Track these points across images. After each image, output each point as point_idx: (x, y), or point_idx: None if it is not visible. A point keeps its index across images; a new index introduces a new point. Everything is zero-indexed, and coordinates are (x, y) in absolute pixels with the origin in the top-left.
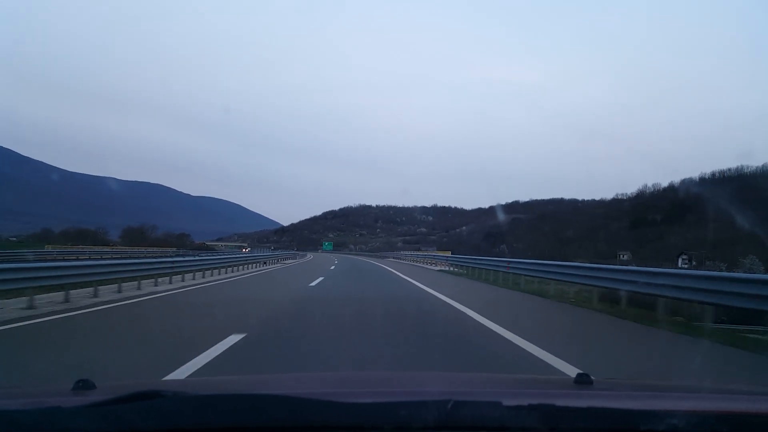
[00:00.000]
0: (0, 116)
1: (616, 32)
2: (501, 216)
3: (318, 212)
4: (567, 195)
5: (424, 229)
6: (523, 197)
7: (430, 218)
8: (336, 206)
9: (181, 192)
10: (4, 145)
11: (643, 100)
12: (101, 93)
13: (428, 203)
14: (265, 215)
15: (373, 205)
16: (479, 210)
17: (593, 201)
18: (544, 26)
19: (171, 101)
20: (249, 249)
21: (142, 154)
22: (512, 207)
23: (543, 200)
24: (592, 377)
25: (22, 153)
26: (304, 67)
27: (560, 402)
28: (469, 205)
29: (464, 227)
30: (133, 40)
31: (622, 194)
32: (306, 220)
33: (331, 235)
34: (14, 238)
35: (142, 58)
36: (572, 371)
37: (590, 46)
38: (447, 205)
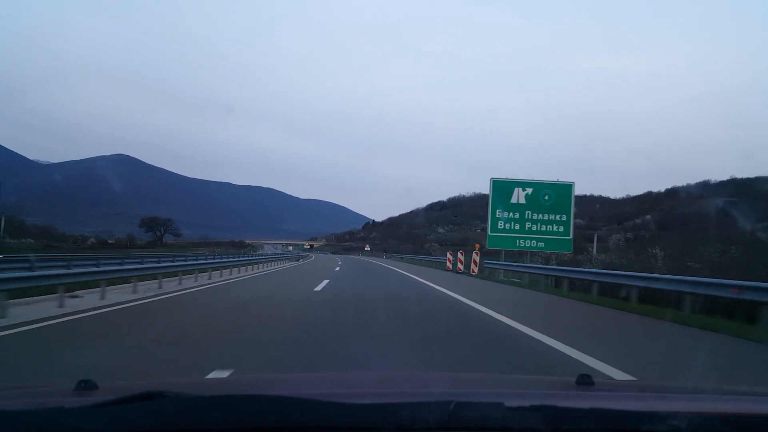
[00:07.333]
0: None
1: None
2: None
3: (422, 204)
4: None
5: (580, 221)
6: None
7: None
8: (443, 197)
9: (290, 195)
10: (131, 154)
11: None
12: (216, 103)
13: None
14: (365, 215)
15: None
16: (650, 194)
17: None
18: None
19: (281, 108)
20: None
21: (254, 160)
22: (705, 187)
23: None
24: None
25: (144, 160)
26: (411, 69)
27: (562, 403)
28: (610, 194)
29: (647, 216)
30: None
31: None
32: (406, 213)
33: (441, 230)
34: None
35: (251, 69)
36: None
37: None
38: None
